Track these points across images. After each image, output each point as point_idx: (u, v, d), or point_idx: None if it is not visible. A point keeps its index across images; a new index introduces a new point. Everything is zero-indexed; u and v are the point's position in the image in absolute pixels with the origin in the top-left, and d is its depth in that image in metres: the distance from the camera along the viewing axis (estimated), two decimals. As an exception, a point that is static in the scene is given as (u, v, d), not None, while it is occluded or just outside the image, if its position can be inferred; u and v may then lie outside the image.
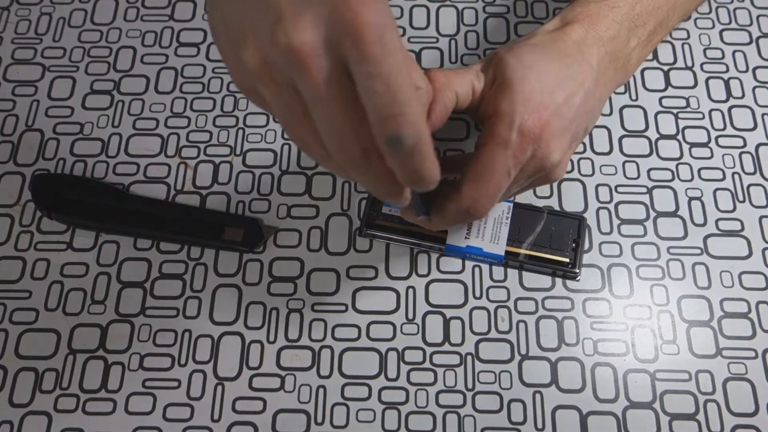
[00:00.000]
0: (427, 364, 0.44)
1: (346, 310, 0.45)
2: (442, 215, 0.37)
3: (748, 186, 0.49)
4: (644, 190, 0.49)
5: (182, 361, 0.44)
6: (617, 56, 0.41)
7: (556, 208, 0.48)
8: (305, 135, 0.28)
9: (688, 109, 0.51)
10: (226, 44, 0.29)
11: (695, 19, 0.55)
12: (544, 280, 0.46)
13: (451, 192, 0.37)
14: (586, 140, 0.50)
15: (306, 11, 0.25)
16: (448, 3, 0.56)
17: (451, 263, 0.47)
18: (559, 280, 0.46)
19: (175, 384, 0.44)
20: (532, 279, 0.46)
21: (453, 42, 0.54)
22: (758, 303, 0.45)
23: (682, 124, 0.51)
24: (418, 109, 0.26)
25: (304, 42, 0.25)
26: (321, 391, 0.43)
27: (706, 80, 0.52)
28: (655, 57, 0.53)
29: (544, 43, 0.39)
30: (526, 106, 0.35)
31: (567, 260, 0.45)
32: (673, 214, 0.48)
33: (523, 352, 0.44)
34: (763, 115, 0.51)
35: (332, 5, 0.24)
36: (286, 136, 0.51)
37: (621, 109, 0.51)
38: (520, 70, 0.36)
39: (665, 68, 0.53)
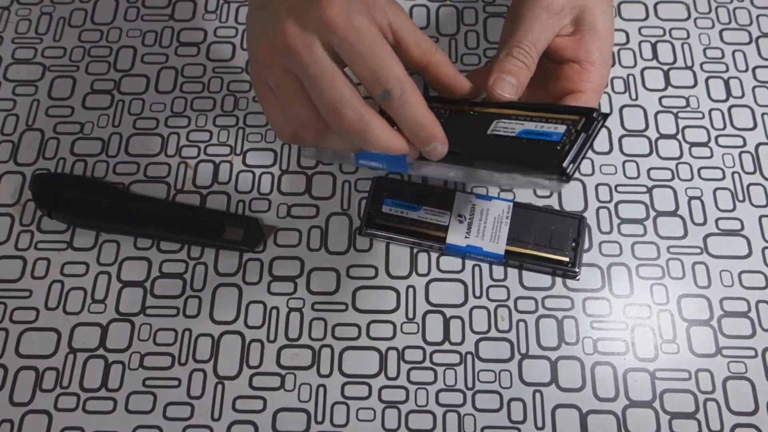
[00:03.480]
0: (427, 363, 0.44)
1: (346, 309, 0.45)
2: None
3: (748, 185, 0.49)
4: (644, 189, 0.49)
5: (182, 360, 0.44)
6: None
7: (556, 207, 0.48)
8: (302, 112, 0.35)
9: (688, 109, 0.51)
10: (251, 45, 0.37)
11: (695, 19, 0.55)
12: (544, 280, 0.46)
13: None
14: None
15: (294, 14, 0.33)
16: (448, 3, 0.56)
17: (451, 262, 0.47)
18: (559, 280, 0.46)
19: (176, 383, 0.44)
20: (532, 278, 0.46)
21: (453, 42, 0.54)
22: (758, 302, 0.45)
23: (682, 123, 0.51)
24: (398, 68, 0.33)
25: (291, 36, 0.33)
26: (321, 390, 0.43)
27: (706, 80, 0.52)
28: (655, 57, 0.53)
29: None
30: (609, 54, 0.41)
31: (567, 259, 0.45)
32: (673, 213, 0.48)
33: (523, 351, 0.44)
34: (762, 114, 0.51)
35: (310, 8, 0.32)
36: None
37: (621, 109, 0.51)
38: (606, 21, 0.41)
39: (665, 68, 0.53)
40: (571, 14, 0.40)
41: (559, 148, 0.32)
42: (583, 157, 0.32)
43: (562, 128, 0.33)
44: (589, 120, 0.33)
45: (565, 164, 0.31)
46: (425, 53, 0.36)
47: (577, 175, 0.49)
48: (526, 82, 0.39)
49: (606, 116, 0.34)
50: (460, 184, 0.48)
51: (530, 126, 0.35)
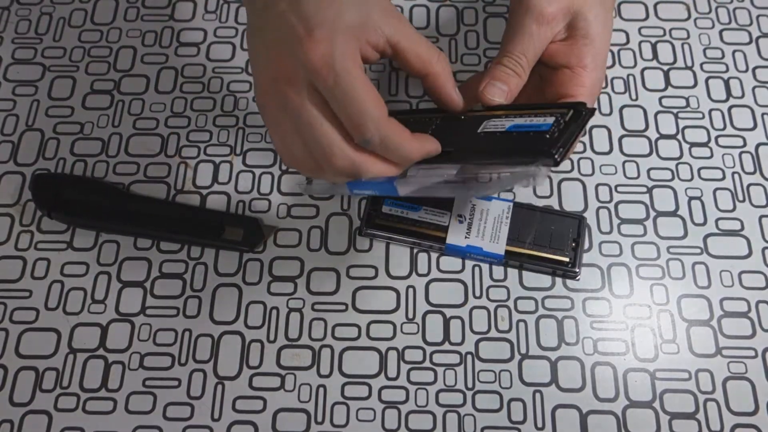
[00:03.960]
0: (427, 364, 0.44)
1: (346, 309, 0.45)
2: None
3: (748, 186, 0.49)
4: (644, 189, 0.49)
5: (182, 361, 0.44)
6: None
7: (556, 207, 0.48)
8: (297, 150, 0.35)
9: (688, 109, 0.51)
10: (252, 68, 0.36)
11: (695, 19, 0.55)
12: (544, 280, 0.46)
13: None
14: (586, 140, 0.50)
15: (283, 52, 0.33)
16: (448, 3, 0.56)
17: (451, 263, 0.47)
18: (559, 280, 0.46)
19: (176, 383, 0.44)
20: (532, 278, 0.46)
21: (453, 42, 0.54)
22: (758, 302, 0.45)
23: (681, 123, 0.51)
24: (375, 113, 0.32)
25: (281, 79, 0.33)
26: (321, 390, 0.43)
27: (706, 80, 0.52)
28: (655, 57, 0.53)
29: None
30: (603, 61, 0.41)
31: (567, 260, 0.45)
32: (673, 213, 0.48)
33: (523, 351, 0.44)
34: (762, 114, 0.51)
35: (296, 48, 0.32)
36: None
37: (621, 109, 0.51)
38: (599, 27, 0.41)
39: (665, 68, 0.53)
40: (564, 20, 0.40)
41: (548, 136, 0.33)
42: (572, 144, 0.33)
43: (551, 120, 0.34)
44: (577, 112, 0.34)
45: (554, 150, 0.32)
46: (425, 65, 0.36)
47: (577, 175, 0.49)
48: (517, 89, 0.39)
49: (594, 111, 0.35)
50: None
51: (519, 121, 0.36)
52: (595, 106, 0.51)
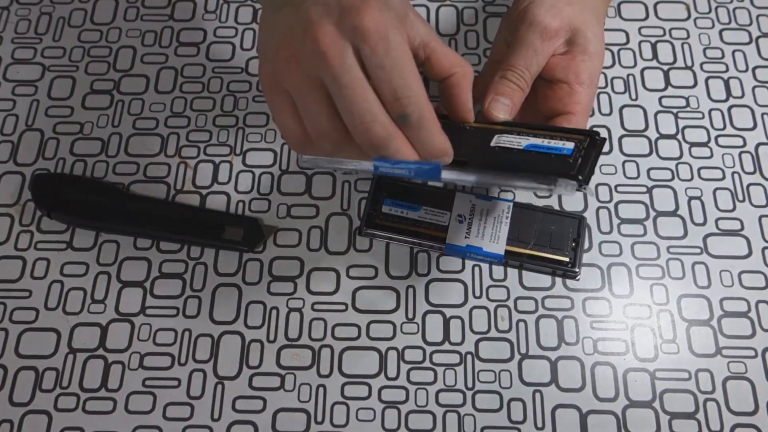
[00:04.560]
0: (427, 364, 0.44)
1: (346, 309, 0.45)
2: None
3: (748, 185, 0.49)
4: (644, 189, 0.49)
5: (182, 361, 0.44)
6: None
7: (556, 207, 0.48)
8: (323, 122, 0.33)
9: (688, 109, 0.51)
10: (268, 47, 0.35)
11: (695, 19, 0.55)
12: (544, 280, 0.46)
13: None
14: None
15: (327, 19, 0.32)
16: (448, 3, 0.56)
17: (451, 263, 0.47)
18: (558, 280, 0.46)
19: (175, 383, 0.44)
20: (531, 278, 0.46)
21: (453, 42, 0.54)
22: (758, 302, 0.45)
23: (681, 123, 0.51)
24: (419, 90, 0.32)
25: (325, 41, 0.31)
26: (321, 390, 0.43)
27: (706, 80, 0.52)
28: (655, 57, 0.53)
29: (595, 4, 0.43)
30: (597, 76, 0.42)
31: (567, 259, 0.45)
32: (673, 213, 0.48)
33: (523, 351, 0.44)
34: (762, 114, 0.51)
35: (347, 14, 0.31)
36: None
37: (621, 109, 0.51)
38: (597, 44, 0.41)
39: (665, 68, 0.53)
40: (566, 36, 0.41)
41: (571, 161, 0.35)
42: (594, 169, 0.36)
43: (570, 144, 0.36)
44: (593, 141, 0.36)
45: (581, 175, 0.34)
46: (453, 65, 0.36)
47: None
48: (520, 104, 0.40)
49: (605, 140, 0.38)
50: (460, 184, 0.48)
51: (536, 141, 0.37)
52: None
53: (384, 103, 0.32)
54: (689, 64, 0.53)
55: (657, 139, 0.50)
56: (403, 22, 0.33)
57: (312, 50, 0.32)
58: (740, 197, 0.48)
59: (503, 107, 0.39)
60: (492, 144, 0.37)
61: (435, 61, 0.36)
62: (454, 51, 0.37)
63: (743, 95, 0.52)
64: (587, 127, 0.41)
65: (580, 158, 0.35)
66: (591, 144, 0.36)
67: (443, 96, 0.38)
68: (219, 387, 0.43)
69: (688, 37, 0.54)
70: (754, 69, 0.53)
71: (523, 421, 0.42)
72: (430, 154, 0.34)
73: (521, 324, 0.45)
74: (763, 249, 0.47)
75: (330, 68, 0.32)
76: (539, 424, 0.42)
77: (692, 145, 0.50)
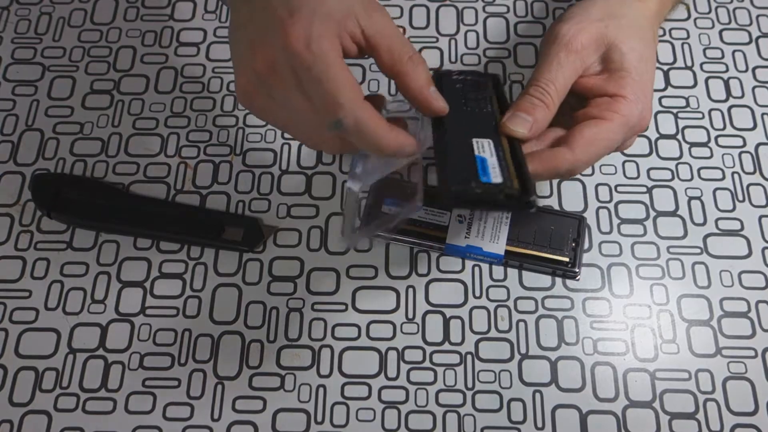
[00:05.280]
0: (427, 364, 0.44)
1: (346, 309, 0.45)
2: (543, 170, 0.38)
3: (748, 186, 0.49)
4: (644, 189, 0.49)
5: (182, 361, 0.44)
6: (657, 29, 0.44)
7: (556, 207, 0.48)
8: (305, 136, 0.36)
9: (688, 109, 0.51)
10: (234, 68, 0.36)
11: (695, 19, 0.55)
12: (544, 280, 0.46)
13: (560, 152, 0.37)
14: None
15: (261, 41, 0.33)
16: (448, 3, 0.56)
17: (451, 263, 0.47)
18: (558, 280, 0.46)
19: (175, 383, 0.44)
20: (531, 278, 0.46)
21: (453, 42, 0.54)
22: (758, 302, 0.45)
23: (681, 123, 0.51)
24: (351, 95, 0.32)
25: (259, 67, 0.33)
26: (321, 390, 0.43)
27: (706, 80, 0.52)
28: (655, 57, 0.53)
29: (636, 20, 0.41)
30: (644, 95, 0.39)
31: (567, 259, 0.45)
32: (673, 213, 0.48)
33: (523, 351, 0.44)
34: (762, 114, 0.51)
35: (275, 34, 0.32)
36: (286, 135, 0.51)
37: (621, 109, 0.51)
38: (635, 60, 0.39)
39: (665, 68, 0.53)
40: (597, 52, 0.39)
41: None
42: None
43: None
44: (518, 196, 0.33)
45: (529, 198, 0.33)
46: (396, 62, 0.34)
47: (577, 174, 0.49)
48: (545, 121, 0.38)
49: (533, 206, 0.34)
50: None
51: (486, 157, 0.35)
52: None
53: (320, 114, 0.33)
54: (689, 64, 0.53)
55: (657, 139, 0.50)
56: (340, 18, 0.33)
57: (258, 78, 0.33)
58: (740, 197, 0.48)
59: (522, 122, 0.37)
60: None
61: (377, 57, 0.35)
62: (402, 42, 0.35)
63: (743, 95, 0.52)
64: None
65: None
66: (512, 150, 0.35)
67: (402, 95, 0.36)
68: (219, 387, 0.43)
69: (688, 37, 0.54)
70: (754, 69, 0.53)
71: (523, 422, 0.42)
72: (381, 152, 0.34)
73: (521, 324, 0.45)
74: (763, 249, 0.47)
75: (276, 93, 0.33)
76: (539, 424, 0.42)
77: (692, 145, 0.50)
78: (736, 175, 0.49)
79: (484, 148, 0.35)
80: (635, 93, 0.39)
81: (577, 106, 0.40)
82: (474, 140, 0.36)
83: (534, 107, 0.37)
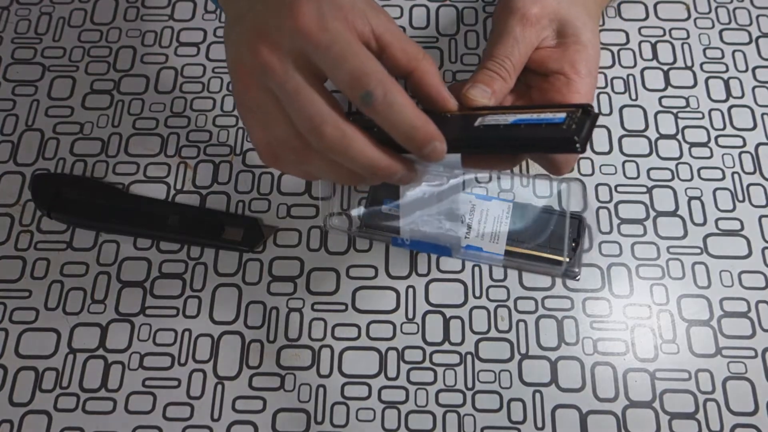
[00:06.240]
0: (426, 364, 0.44)
1: (346, 309, 0.45)
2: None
3: (748, 186, 0.49)
4: (644, 189, 0.49)
5: (182, 361, 0.44)
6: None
7: (556, 207, 0.48)
8: (280, 132, 0.33)
9: (688, 109, 0.51)
10: (228, 65, 0.35)
11: (695, 19, 0.55)
12: (544, 280, 0.46)
13: None
14: (586, 140, 0.50)
15: (265, 29, 0.31)
16: (448, 3, 0.56)
17: (451, 263, 0.47)
18: (558, 280, 0.46)
19: (175, 383, 0.44)
20: (531, 278, 0.46)
21: (453, 42, 0.54)
22: (758, 302, 0.45)
23: (681, 123, 0.51)
24: (378, 67, 0.30)
25: (264, 53, 0.31)
26: (321, 390, 0.43)
27: (706, 80, 0.52)
28: (655, 57, 0.53)
29: (585, 1, 0.42)
30: (596, 70, 0.41)
31: (567, 260, 0.45)
32: (673, 213, 0.48)
33: (523, 351, 0.44)
34: (762, 114, 0.51)
35: (283, 19, 0.31)
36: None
37: (621, 109, 0.51)
38: (589, 34, 0.40)
39: (665, 68, 0.53)
40: (551, 26, 0.40)
41: (565, 127, 0.32)
42: (590, 135, 0.33)
43: (561, 114, 0.33)
44: (585, 111, 0.33)
45: (579, 136, 0.31)
46: (411, 59, 0.34)
47: (577, 175, 0.49)
48: (502, 93, 0.38)
49: (598, 115, 0.34)
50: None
51: (523, 116, 0.34)
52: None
53: (346, 93, 0.31)
54: (689, 64, 0.53)
55: (657, 139, 0.50)
56: (346, 12, 0.32)
57: (257, 64, 0.31)
58: (740, 197, 0.48)
59: (482, 92, 0.37)
60: (476, 124, 0.35)
61: (391, 56, 0.34)
62: (413, 43, 0.34)
63: (743, 95, 0.52)
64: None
65: (574, 124, 0.32)
66: (584, 113, 0.33)
67: (415, 94, 0.36)
68: (219, 387, 0.43)
69: (688, 37, 0.54)
70: (754, 69, 0.53)
71: (523, 422, 0.42)
72: (412, 136, 0.31)
73: (521, 324, 0.45)
74: (763, 249, 0.47)
75: (274, 78, 0.31)
76: (539, 425, 0.42)
77: (692, 145, 0.50)
78: (736, 175, 0.49)
79: (500, 118, 0.35)
80: (588, 67, 0.39)
81: (530, 78, 0.41)
82: (478, 124, 0.34)
83: (492, 80, 0.38)
